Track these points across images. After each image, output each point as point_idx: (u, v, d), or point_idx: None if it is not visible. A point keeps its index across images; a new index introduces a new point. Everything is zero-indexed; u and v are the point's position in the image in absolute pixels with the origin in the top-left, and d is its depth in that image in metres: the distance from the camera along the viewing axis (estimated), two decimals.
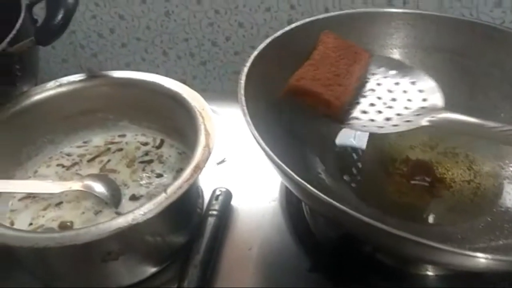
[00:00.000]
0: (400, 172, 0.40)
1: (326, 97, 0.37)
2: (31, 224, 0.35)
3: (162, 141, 0.42)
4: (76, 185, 0.35)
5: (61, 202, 0.37)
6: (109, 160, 0.40)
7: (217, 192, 0.40)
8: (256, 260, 0.37)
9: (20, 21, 0.39)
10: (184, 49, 0.72)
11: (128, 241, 0.30)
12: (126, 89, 0.42)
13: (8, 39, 0.37)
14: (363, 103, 0.39)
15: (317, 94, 0.37)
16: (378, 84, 0.41)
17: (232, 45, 0.71)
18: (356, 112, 0.38)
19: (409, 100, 0.39)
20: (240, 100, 0.33)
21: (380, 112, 0.38)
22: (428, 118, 0.36)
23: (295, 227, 0.39)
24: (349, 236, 0.37)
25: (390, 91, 0.40)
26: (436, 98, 0.38)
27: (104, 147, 0.42)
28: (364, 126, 0.38)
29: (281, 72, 0.39)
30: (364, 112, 0.39)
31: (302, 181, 0.28)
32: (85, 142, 0.42)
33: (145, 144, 0.42)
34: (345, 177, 0.39)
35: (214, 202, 0.39)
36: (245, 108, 0.32)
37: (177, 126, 0.41)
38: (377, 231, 0.27)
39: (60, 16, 0.36)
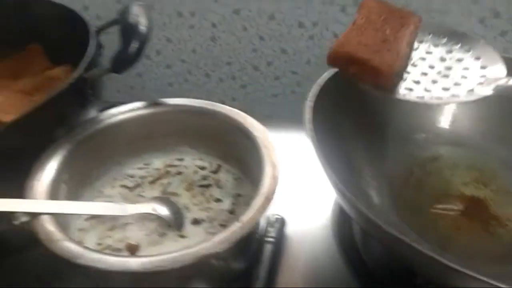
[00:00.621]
0: (455, 208, 0.40)
1: (376, 64, 0.33)
2: (99, 244, 0.37)
3: (219, 166, 0.44)
4: (145, 207, 0.37)
5: (126, 223, 0.38)
6: (169, 183, 0.42)
7: (273, 219, 0.41)
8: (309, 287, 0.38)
9: (91, 47, 0.42)
10: (227, 72, 0.75)
11: (201, 267, 0.31)
12: (186, 115, 0.43)
13: (84, 65, 0.40)
14: (414, 73, 0.36)
15: (364, 61, 0.33)
16: (428, 53, 0.38)
17: (273, 70, 0.73)
18: (407, 83, 0.35)
19: (465, 68, 0.36)
20: (309, 136, 0.34)
21: (435, 81, 0.35)
22: (494, 87, 0.33)
23: (347, 255, 0.40)
24: (401, 266, 0.38)
25: (443, 59, 0.37)
26: (498, 66, 0.35)
27: (164, 170, 0.44)
28: (420, 96, 0.34)
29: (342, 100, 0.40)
30: (417, 82, 0.35)
31: (374, 218, 0.29)
32: (146, 164, 0.44)
33: (203, 168, 0.44)
34: (401, 212, 0.40)
35: (270, 229, 0.40)
36: (316, 143, 0.33)
37: (234, 153, 0.43)
38: (439, 266, 0.28)
39: (135, 45, 0.38)
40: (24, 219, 0.31)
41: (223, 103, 0.45)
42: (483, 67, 0.35)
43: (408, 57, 0.36)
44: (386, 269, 0.40)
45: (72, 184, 0.37)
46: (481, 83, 0.34)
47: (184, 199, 0.41)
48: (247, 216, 0.30)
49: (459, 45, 0.37)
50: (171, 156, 0.45)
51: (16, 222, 0.31)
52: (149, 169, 0.44)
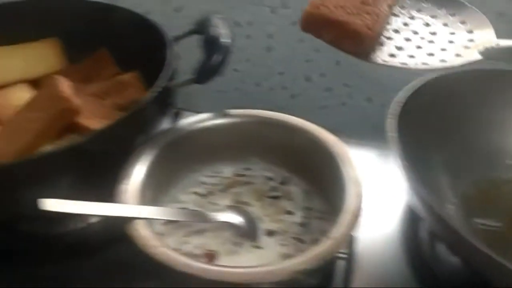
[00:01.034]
0: None
1: (354, 27, 0.31)
2: (179, 249, 0.37)
3: (287, 178, 0.44)
4: (227, 216, 0.38)
5: (202, 230, 0.39)
6: (240, 193, 0.43)
7: None
8: None
9: (170, 56, 0.43)
10: (278, 82, 0.75)
11: (291, 282, 0.31)
12: (256, 126, 0.44)
13: (167, 74, 0.41)
14: (397, 39, 0.34)
15: (342, 24, 0.31)
16: (411, 18, 0.36)
17: (325, 81, 0.73)
18: (390, 49, 0.33)
19: (452, 33, 0.34)
20: (396, 155, 0.35)
21: (419, 47, 0.34)
22: (482, 51, 0.31)
23: (418, 270, 0.40)
24: (475, 282, 0.37)
25: (427, 24, 0.35)
26: (486, 29, 0.33)
27: (233, 179, 0.45)
28: (403, 63, 0.33)
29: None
30: (400, 48, 0.33)
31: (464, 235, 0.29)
32: (215, 172, 0.45)
33: (271, 179, 0.44)
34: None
35: None
36: (404, 163, 0.33)
37: (304, 165, 0.43)
38: None
39: (218, 57, 0.39)
40: (94, 219, 0.32)
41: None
42: (470, 31, 0.34)
43: (389, 21, 0.34)
44: (459, 284, 0.39)
45: (153, 189, 0.38)
46: (468, 48, 0.32)
47: (255, 209, 0.41)
48: (337, 233, 0.31)
49: (443, 10, 0.36)
50: (239, 165, 0.45)
51: (87, 223, 0.31)
52: (219, 177, 0.45)
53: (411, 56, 0.33)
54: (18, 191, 0.35)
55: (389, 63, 0.32)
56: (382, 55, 0.33)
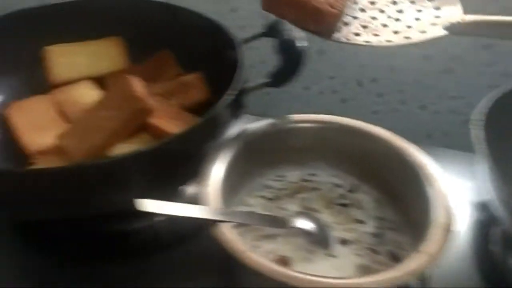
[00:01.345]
0: None
1: (316, 5, 0.31)
2: None
3: (356, 186, 0.43)
4: (300, 222, 0.37)
5: (273, 235, 0.39)
6: (307, 198, 0.42)
7: None
8: None
9: (240, 59, 0.43)
10: (328, 85, 0.74)
11: None
12: (325, 131, 0.44)
13: (241, 77, 0.41)
14: (362, 18, 0.34)
15: (303, 3, 0.31)
16: None
17: (377, 86, 0.72)
18: (354, 28, 0.34)
19: (419, 11, 0.34)
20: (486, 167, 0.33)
21: (385, 25, 0.34)
22: (448, 26, 0.32)
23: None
24: None
25: (394, 2, 0.35)
26: (453, 5, 0.33)
27: (299, 184, 0.44)
28: (367, 41, 0.33)
29: None
30: (365, 27, 0.34)
31: None
32: (279, 176, 0.45)
33: (338, 186, 0.44)
34: None
35: None
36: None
37: (375, 173, 0.42)
38: None
39: (295, 60, 0.39)
40: (162, 217, 0.31)
41: (318, 113, 0.44)
42: (437, 8, 0.33)
43: (354, 1, 0.34)
44: None
45: (227, 192, 0.38)
46: (434, 24, 0.32)
47: (324, 216, 0.41)
48: (432, 248, 0.30)
49: None
50: (304, 170, 0.45)
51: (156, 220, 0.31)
52: (284, 181, 0.44)
53: (376, 35, 0.33)
54: (99, 190, 0.35)
55: (352, 41, 0.33)
56: (346, 34, 0.33)
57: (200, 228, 0.44)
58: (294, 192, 0.43)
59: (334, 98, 0.78)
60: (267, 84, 0.39)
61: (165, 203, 0.29)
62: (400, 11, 0.35)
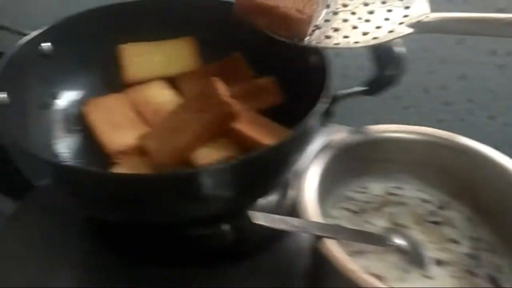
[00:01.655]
0: None
1: (284, 11, 0.32)
2: None
3: (446, 202, 0.41)
4: (397, 240, 0.35)
5: (362, 251, 0.37)
6: (395, 213, 0.41)
7: None
8: None
9: (328, 65, 0.41)
10: (391, 91, 0.72)
11: None
12: (413, 142, 0.41)
13: (330, 84, 0.39)
14: (334, 21, 0.35)
15: (271, 9, 0.31)
16: None
17: (446, 94, 0.69)
18: (326, 31, 0.34)
19: (389, 10, 0.35)
20: None
21: (355, 27, 0.34)
22: (414, 24, 0.32)
23: None
24: None
25: (366, 4, 0.35)
26: (421, 3, 0.33)
27: (384, 197, 0.42)
28: (337, 43, 0.33)
29: None
30: (336, 30, 0.34)
31: None
32: (362, 188, 0.43)
33: (427, 201, 0.42)
34: None
35: None
36: None
37: (468, 189, 0.40)
38: None
39: (393, 67, 0.37)
40: (261, 222, 0.30)
41: (378, 122, 0.43)
42: (406, 7, 0.34)
43: (326, 5, 0.35)
44: None
45: (319, 204, 0.36)
46: (402, 23, 0.33)
47: (416, 234, 0.39)
48: None
49: None
50: (388, 182, 0.43)
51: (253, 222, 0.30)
52: (368, 193, 0.43)
53: (346, 37, 0.34)
54: (186, 198, 0.34)
55: (322, 45, 0.34)
56: (318, 37, 0.34)
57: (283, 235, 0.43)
58: (380, 205, 0.41)
59: (396, 105, 0.75)
60: (362, 92, 0.38)
61: (277, 217, 0.28)
62: (371, 12, 0.35)
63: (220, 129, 0.40)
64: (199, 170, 0.36)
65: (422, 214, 0.40)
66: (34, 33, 0.45)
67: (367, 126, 0.42)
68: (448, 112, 0.69)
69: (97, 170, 0.36)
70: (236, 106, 0.40)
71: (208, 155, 0.41)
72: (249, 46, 0.52)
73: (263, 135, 0.40)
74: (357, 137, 0.41)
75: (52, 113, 0.46)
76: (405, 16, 0.34)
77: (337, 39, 0.34)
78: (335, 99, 0.39)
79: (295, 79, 0.49)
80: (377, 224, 0.39)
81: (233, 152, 0.42)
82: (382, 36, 0.33)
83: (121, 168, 0.41)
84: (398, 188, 0.43)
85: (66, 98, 0.48)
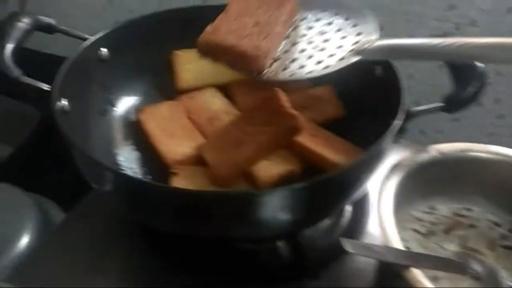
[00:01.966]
0: None
1: (241, 49, 0.33)
2: None
3: None
4: (476, 267, 0.34)
5: (435, 276, 0.36)
6: (466, 237, 0.39)
7: None
8: None
9: (400, 78, 0.40)
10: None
11: None
12: (484, 162, 0.39)
13: (404, 100, 0.38)
14: (292, 51, 0.36)
15: (230, 48, 0.32)
16: (310, 28, 0.37)
17: (500, 107, 0.67)
18: (283, 63, 0.35)
19: (343, 37, 0.36)
20: None
21: (310, 56, 0.35)
22: (360, 50, 0.33)
23: None
24: None
25: (322, 32, 0.37)
26: (371, 29, 0.34)
27: (453, 219, 0.40)
28: (292, 74, 0.34)
29: None
30: (293, 60, 0.35)
31: None
32: (430, 208, 0.41)
33: (498, 225, 0.40)
34: None
35: None
36: None
37: None
38: None
39: (474, 86, 0.36)
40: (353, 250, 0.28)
41: (424, 134, 0.41)
42: (358, 34, 0.35)
43: (285, 37, 0.36)
44: None
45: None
46: (352, 50, 0.34)
47: (489, 259, 0.37)
48: None
49: (339, 16, 0.37)
50: (457, 203, 0.41)
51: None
52: (436, 214, 0.41)
53: (301, 67, 0.35)
54: (251, 216, 0.33)
55: (279, 77, 0.34)
56: (275, 70, 0.35)
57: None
58: (448, 228, 0.39)
59: (444, 117, 0.73)
60: (440, 109, 0.36)
61: (369, 245, 0.26)
62: (326, 40, 0.36)
63: (285, 143, 0.39)
64: (270, 190, 0.34)
65: (494, 238, 0.38)
66: (93, 38, 0.44)
67: (437, 145, 0.41)
68: (500, 125, 0.67)
69: (160, 184, 0.35)
70: (302, 119, 0.38)
71: (269, 169, 0.40)
72: None
73: (331, 151, 0.39)
74: (426, 156, 0.39)
75: (111, 120, 0.46)
76: (356, 43, 0.35)
77: (293, 70, 0.34)
78: (409, 116, 0.37)
79: (354, 91, 0.47)
80: (448, 248, 0.38)
81: (294, 165, 0.41)
82: (333, 64, 0.34)
83: (180, 179, 0.40)
84: (467, 209, 0.41)
85: (123, 105, 0.48)
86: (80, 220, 0.47)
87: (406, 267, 0.28)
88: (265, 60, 0.34)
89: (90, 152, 0.35)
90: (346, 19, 0.37)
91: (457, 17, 0.61)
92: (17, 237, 0.49)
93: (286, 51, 0.36)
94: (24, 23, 0.40)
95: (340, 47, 0.35)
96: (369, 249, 0.27)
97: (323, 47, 0.35)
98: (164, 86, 0.50)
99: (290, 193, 0.31)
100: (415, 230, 0.39)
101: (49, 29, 0.43)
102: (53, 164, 0.66)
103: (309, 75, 0.34)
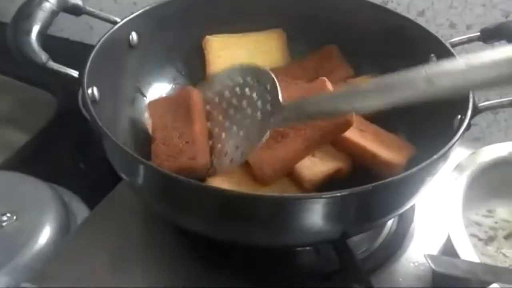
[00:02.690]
0: None
1: (181, 166, 0.35)
2: None
3: None
4: None
5: None
6: None
7: None
8: None
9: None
10: None
11: None
12: None
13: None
14: (218, 140, 0.37)
15: (174, 171, 0.33)
16: (226, 110, 0.37)
17: None
18: (216, 155, 0.37)
19: (253, 110, 0.35)
20: None
21: (229, 140, 0.36)
22: (270, 127, 0.33)
23: None
24: None
25: (236, 108, 0.37)
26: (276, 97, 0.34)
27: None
28: (232, 160, 0.35)
29: None
30: (225, 154, 0.36)
31: None
32: (489, 212, 0.38)
33: None
34: None
35: None
36: None
37: None
38: None
39: None
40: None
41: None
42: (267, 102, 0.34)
43: (205, 135, 0.38)
44: None
45: None
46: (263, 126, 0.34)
47: None
48: None
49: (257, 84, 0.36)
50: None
51: None
52: (496, 218, 0.38)
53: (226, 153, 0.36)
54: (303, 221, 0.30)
55: (224, 166, 0.35)
56: (216, 164, 0.36)
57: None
58: (509, 233, 0.37)
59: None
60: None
61: (453, 261, 0.23)
62: (242, 118, 0.36)
63: (333, 138, 0.36)
64: (319, 195, 0.30)
65: None
66: (123, 21, 0.41)
67: (499, 144, 0.37)
68: None
69: (196, 183, 0.32)
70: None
71: (315, 167, 0.37)
72: (345, 38, 0.47)
73: (382, 148, 0.36)
74: (489, 156, 0.36)
75: (140, 108, 0.43)
76: (266, 113, 0.34)
77: (228, 158, 0.35)
78: (476, 112, 0.34)
79: None
80: (510, 255, 0.35)
81: (342, 163, 0.38)
82: (247, 148, 0.34)
83: (217, 178, 0.37)
84: None
85: (152, 93, 0.45)
86: (106, 216, 0.44)
87: (490, 283, 0.25)
88: (206, 161, 0.36)
89: (121, 143, 0.32)
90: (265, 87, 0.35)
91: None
92: (38, 232, 0.46)
93: (216, 146, 0.37)
94: (50, 3, 0.37)
95: (252, 119, 0.35)
96: (454, 265, 0.24)
97: (239, 125, 0.36)
98: (195, 73, 0.47)
99: (347, 198, 0.28)
100: (475, 236, 0.36)
101: (75, 10, 0.40)
102: (71, 154, 0.63)
103: (232, 165, 0.35)
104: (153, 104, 0.41)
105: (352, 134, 0.38)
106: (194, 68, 0.48)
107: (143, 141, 0.41)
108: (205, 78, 0.47)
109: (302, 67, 0.48)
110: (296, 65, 0.48)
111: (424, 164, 0.29)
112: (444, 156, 0.30)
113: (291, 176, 0.37)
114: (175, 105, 0.40)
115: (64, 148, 0.61)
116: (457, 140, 0.31)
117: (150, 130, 0.40)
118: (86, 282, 0.39)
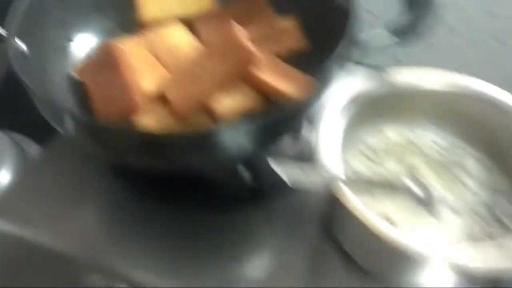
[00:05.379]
0: None
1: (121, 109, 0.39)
2: None
3: (463, 149, 0.41)
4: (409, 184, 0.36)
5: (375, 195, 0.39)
6: (410, 158, 0.41)
7: None
8: None
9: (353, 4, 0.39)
10: None
11: None
12: (436, 90, 0.41)
13: (356, 28, 0.37)
14: None
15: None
16: None
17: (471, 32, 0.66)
18: None
19: None
20: None
21: None
22: None
23: None
24: None
25: None
26: None
27: (398, 141, 0.42)
28: None
29: None
30: None
31: None
32: (378, 131, 0.43)
33: (442, 148, 0.42)
34: None
35: None
36: None
37: (485, 138, 0.40)
38: None
39: (421, 13, 0.35)
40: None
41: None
42: None
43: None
44: None
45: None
46: None
47: (429, 178, 0.40)
48: None
49: None
50: (403, 126, 0.43)
51: None
52: (382, 136, 0.43)
53: None
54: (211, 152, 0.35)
55: None
56: None
57: None
58: (394, 150, 0.42)
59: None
60: (391, 40, 0.36)
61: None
62: None
63: (241, 76, 0.40)
64: (222, 127, 0.36)
65: (436, 159, 0.41)
66: None
67: (385, 70, 0.41)
68: (474, 52, 0.66)
69: (119, 126, 0.37)
70: (256, 51, 0.39)
71: (229, 105, 0.41)
72: None
73: (286, 84, 0.40)
74: (375, 82, 0.41)
75: (70, 58, 0.46)
76: None
77: None
78: (358, 45, 0.37)
79: (317, 21, 0.47)
80: (391, 169, 0.41)
81: (254, 100, 0.42)
82: None
83: (142, 117, 0.42)
84: (413, 132, 0.43)
85: (82, 42, 0.48)
86: (54, 156, 0.49)
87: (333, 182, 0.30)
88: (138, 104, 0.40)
89: (48, 93, 0.36)
90: None
91: None
92: None
93: None
94: None
95: None
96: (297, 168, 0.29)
97: None
98: (126, 22, 0.49)
99: (241, 128, 0.33)
100: (362, 153, 0.42)
101: None
102: (27, 102, 0.66)
103: None
104: (81, 69, 0.44)
105: (261, 74, 0.41)
106: (126, 17, 0.49)
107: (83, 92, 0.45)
108: (137, 24, 0.50)
109: (228, 12, 0.50)
110: (223, 10, 0.51)
111: (300, 101, 0.34)
112: (320, 90, 0.35)
113: (208, 112, 0.42)
114: (102, 65, 0.43)
115: (19, 96, 0.64)
116: (330, 74, 0.35)
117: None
118: (38, 217, 0.43)
